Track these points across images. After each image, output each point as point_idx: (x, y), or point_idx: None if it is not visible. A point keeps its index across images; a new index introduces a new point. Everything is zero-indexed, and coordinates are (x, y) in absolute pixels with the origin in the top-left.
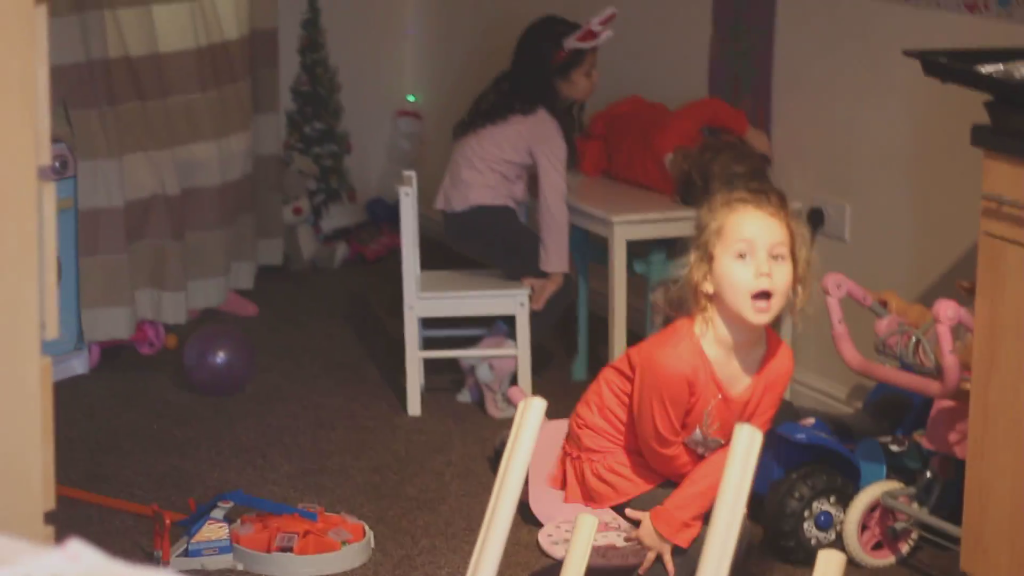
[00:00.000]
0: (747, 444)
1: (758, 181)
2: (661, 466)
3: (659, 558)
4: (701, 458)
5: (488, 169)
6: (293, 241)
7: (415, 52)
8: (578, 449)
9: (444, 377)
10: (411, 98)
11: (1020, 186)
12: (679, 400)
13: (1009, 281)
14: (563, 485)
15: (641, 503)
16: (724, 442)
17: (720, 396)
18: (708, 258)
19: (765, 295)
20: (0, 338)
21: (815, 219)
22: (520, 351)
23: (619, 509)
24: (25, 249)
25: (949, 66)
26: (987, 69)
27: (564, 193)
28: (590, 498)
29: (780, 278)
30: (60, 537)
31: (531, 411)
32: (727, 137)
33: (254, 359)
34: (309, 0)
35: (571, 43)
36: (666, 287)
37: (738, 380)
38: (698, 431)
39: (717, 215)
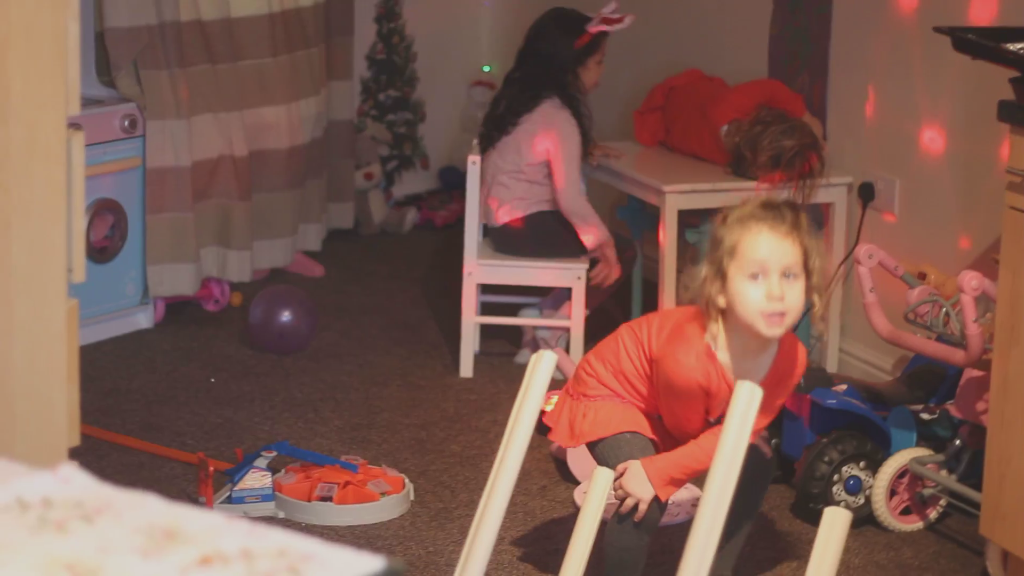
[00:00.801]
0: (747, 400)
1: (805, 155)
2: (678, 427)
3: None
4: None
5: (514, 181)
6: (364, 206)
7: (491, 23)
8: (580, 393)
9: (501, 341)
10: (486, 68)
11: None
12: (697, 397)
13: None
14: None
15: (603, 449)
16: None
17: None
18: (721, 274)
19: (777, 315)
20: (28, 281)
21: (866, 193)
22: (574, 324)
23: (591, 450)
24: (54, 196)
25: (977, 43)
26: (1014, 46)
27: (577, 184)
28: (574, 436)
29: (792, 298)
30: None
31: (542, 364)
32: (781, 112)
33: (316, 320)
34: None
35: (596, 25)
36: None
37: (749, 379)
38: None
39: (732, 233)
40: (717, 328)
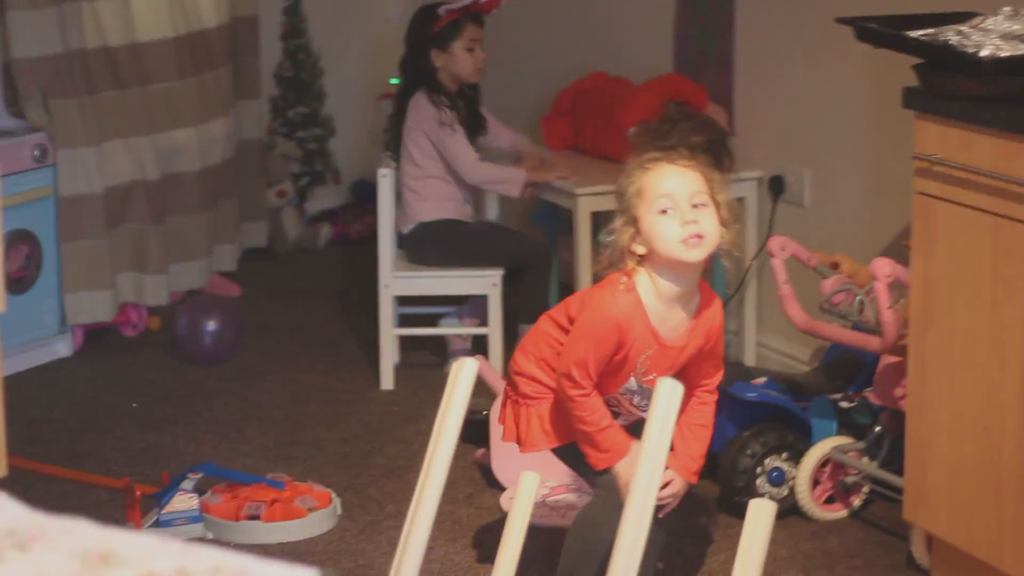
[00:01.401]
0: (668, 396)
1: (715, 150)
2: (570, 412)
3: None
4: (635, 407)
5: (421, 184)
6: (277, 223)
7: (397, 35)
8: (516, 395)
9: (423, 352)
10: (394, 81)
11: (949, 145)
12: (606, 345)
13: (941, 238)
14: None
15: (569, 452)
16: None
17: (657, 346)
18: (632, 220)
19: (696, 236)
20: None
21: (775, 186)
22: (491, 330)
23: (559, 454)
24: None
25: (879, 31)
26: (915, 34)
27: (468, 158)
28: (523, 442)
29: (707, 222)
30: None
31: (464, 371)
32: (687, 109)
33: (242, 328)
34: None
35: (445, 9)
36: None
37: (674, 329)
38: (633, 379)
39: (633, 177)
40: (639, 276)
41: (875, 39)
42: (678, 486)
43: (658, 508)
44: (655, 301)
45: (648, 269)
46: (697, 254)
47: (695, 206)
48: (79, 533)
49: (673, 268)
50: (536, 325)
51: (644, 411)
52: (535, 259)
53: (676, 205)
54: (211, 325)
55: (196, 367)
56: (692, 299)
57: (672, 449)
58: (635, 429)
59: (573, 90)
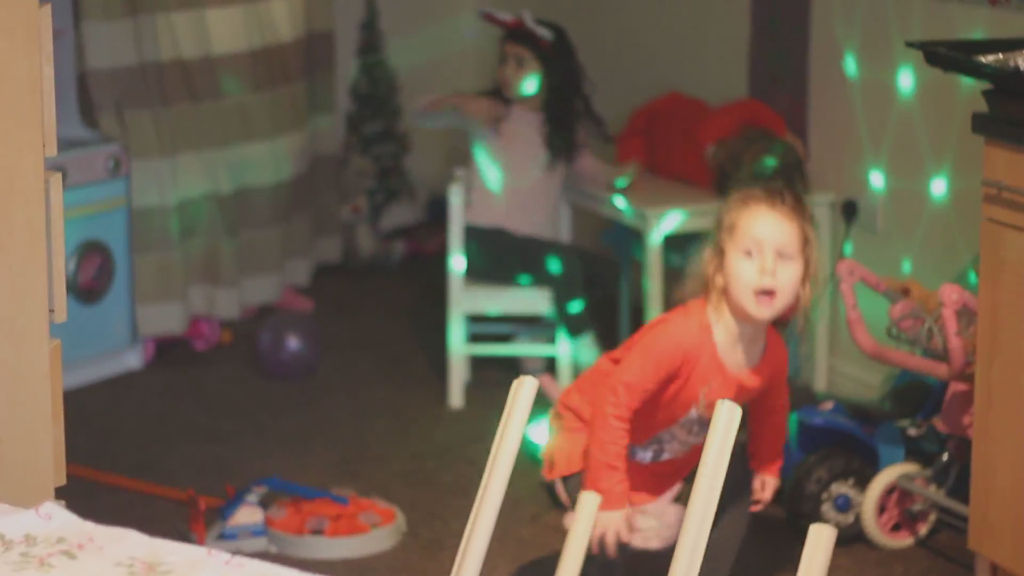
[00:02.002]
0: (727, 419)
1: (788, 174)
2: (593, 429)
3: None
4: (695, 435)
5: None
6: (352, 239)
7: (473, 53)
8: (560, 425)
9: (493, 370)
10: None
11: (1018, 172)
12: (665, 368)
13: (1009, 265)
14: None
15: (574, 484)
16: None
17: (721, 378)
18: (720, 252)
19: (767, 293)
20: (11, 323)
21: (849, 211)
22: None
23: (568, 486)
24: (34, 238)
25: (949, 56)
26: (985, 59)
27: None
28: (550, 468)
29: (785, 278)
30: (80, 514)
31: (523, 390)
32: (765, 131)
33: (322, 344)
34: (367, 2)
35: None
36: (683, 279)
37: (740, 367)
38: (694, 409)
39: (731, 211)
40: (717, 307)
41: (944, 63)
42: (773, 484)
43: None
44: (723, 335)
45: (723, 305)
46: (764, 313)
47: (780, 257)
48: (127, 542)
49: (740, 313)
50: (595, 365)
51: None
52: (602, 275)
53: (761, 252)
54: (293, 342)
55: (266, 381)
56: (757, 342)
57: (753, 457)
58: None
59: (648, 110)
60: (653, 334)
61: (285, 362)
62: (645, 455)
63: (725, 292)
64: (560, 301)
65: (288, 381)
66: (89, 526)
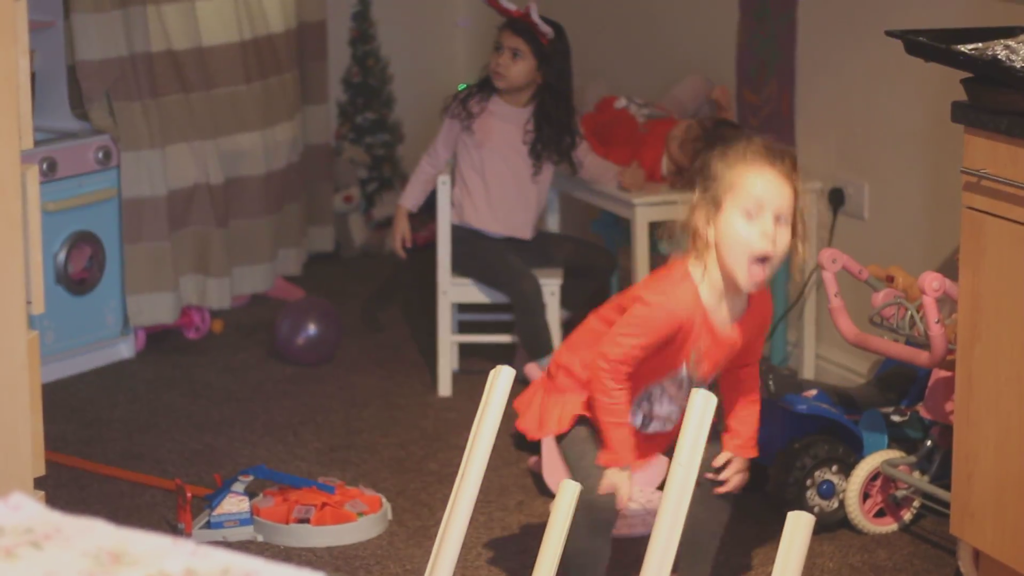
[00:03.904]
0: (702, 408)
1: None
2: (595, 397)
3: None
4: (677, 397)
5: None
6: (344, 229)
7: (466, 42)
8: (552, 386)
9: (481, 359)
10: (462, 87)
11: (997, 160)
12: (659, 338)
13: (989, 253)
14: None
15: (570, 439)
16: (706, 382)
17: (711, 338)
18: (716, 203)
19: (763, 259)
20: None
21: (835, 198)
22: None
23: (559, 441)
24: (10, 230)
25: (928, 45)
26: (964, 48)
27: (430, 155)
28: (541, 427)
29: (781, 243)
30: (54, 501)
31: (500, 379)
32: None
33: (341, 329)
34: None
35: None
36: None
37: (726, 322)
38: (684, 368)
39: (733, 167)
40: (705, 260)
41: (924, 53)
42: (740, 463)
43: (719, 484)
44: (708, 292)
45: (708, 258)
46: (754, 285)
47: (777, 221)
48: (94, 532)
49: (727, 272)
50: (584, 323)
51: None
52: (523, 297)
53: (761, 213)
54: (312, 328)
55: (257, 370)
56: (741, 294)
57: (727, 430)
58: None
59: (592, 121)
60: (640, 305)
61: (300, 348)
62: (635, 420)
63: (715, 246)
64: (520, 329)
65: (305, 365)
66: (56, 517)
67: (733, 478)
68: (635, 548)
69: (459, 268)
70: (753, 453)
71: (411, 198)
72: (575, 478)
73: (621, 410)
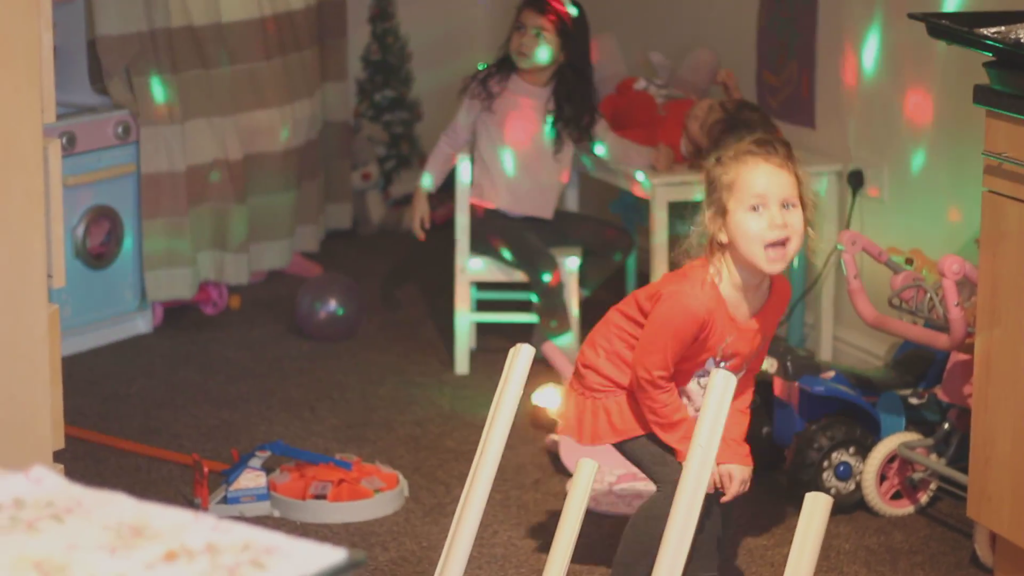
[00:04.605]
0: (722, 387)
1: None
2: (642, 401)
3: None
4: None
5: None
6: (362, 206)
7: (486, 20)
8: (583, 387)
9: (499, 338)
10: (482, 66)
11: (1019, 144)
12: (685, 339)
13: (1009, 237)
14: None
15: (633, 448)
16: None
17: (736, 332)
18: (722, 211)
19: (780, 243)
20: (9, 288)
21: (855, 181)
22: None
23: (619, 448)
24: (32, 204)
25: (951, 28)
26: (986, 31)
27: (447, 135)
28: (582, 435)
29: (794, 224)
30: (72, 475)
31: (520, 358)
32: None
33: (364, 306)
34: None
35: None
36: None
37: (747, 314)
38: (711, 362)
39: (729, 169)
40: (721, 263)
41: (946, 35)
42: (744, 472)
43: (720, 494)
44: (730, 290)
45: (727, 259)
46: (776, 268)
47: (784, 207)
48: (115, 506)
49: (748, 266)
50: (605, 318)
51: None
52: (614, 242)
53: (766, 205)
54: (333, 304)
55: (275, 346)
56: (762, 287)
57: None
58: None
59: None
60: (660, 309)
61: (321, 324)
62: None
63: (730, 248)
64: (540, 303)
65: (324, 341)
66: (78, 490)
67: (733, 488)
68: (607, 524)
69: (478, 248)
70: (749, 462)
71: (426, 176)
72: (659, 481)
73: (677, 406)
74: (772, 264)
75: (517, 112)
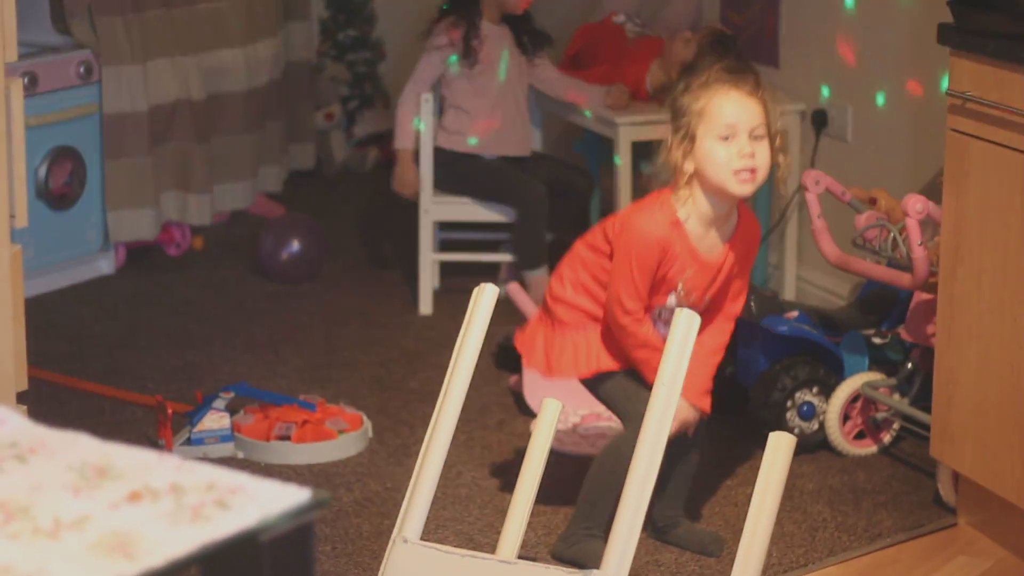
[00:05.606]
0: (686, 327)
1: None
2: (623, 339)
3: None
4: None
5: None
6: (325, 146)
7: None
8: (551, 320)
9: (463, 279)
10: (446, 7)
11: (982, 83)
12: (648, 264)
13: (973, 175)
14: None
15: (605, 384)
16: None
17: (696, 265)
18: (690, 138)
19: (747, 170)
20: None
21: (818, 120)
22: None
23: (586, 384)
24: None
25: None
26: None
27: (418, 93)
28: (551, 368)
29: (762, 156)
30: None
31: (483, 297)
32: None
33: (325, 248)
34: None
35: None
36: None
37: (713, 248)
38: (672, 297)
39: (699, 97)
40: (687, 193)
41: None
42: (685, 412)
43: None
44: (695, 221)
45: (692, 189)
46: (747, 189)
47: (753, 138)
48: (78, 447)
49: (718, 193)
50: (571, 250)
51: None
52: (529, 206)
53: (735, 135)
54: (296, 244)
55: (237, 287)
56: (730, 219)
57: None
58: None
59: (586, 30)
60: (623, 239)
61: (284, 265)
62: None
63: (696, 175)
64: (520, 238)
65: (287, 282)
66: (41, 430)
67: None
68: (571, 464)
69: (455, 188)
70: (703, 404)
71: (407, 137)
72: (628, 417)
73: (654, 337)
74: (742, 185)
75: (495, 55)
